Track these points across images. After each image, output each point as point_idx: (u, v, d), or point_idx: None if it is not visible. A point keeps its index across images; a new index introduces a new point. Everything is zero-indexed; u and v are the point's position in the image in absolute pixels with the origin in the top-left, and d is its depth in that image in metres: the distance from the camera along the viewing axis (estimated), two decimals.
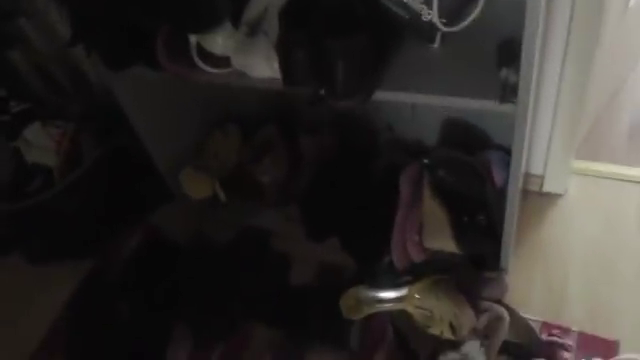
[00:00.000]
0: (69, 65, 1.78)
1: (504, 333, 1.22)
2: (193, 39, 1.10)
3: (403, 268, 1.34)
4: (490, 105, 0.96)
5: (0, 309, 1.61)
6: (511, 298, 1.32)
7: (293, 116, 1.53)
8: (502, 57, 1.00)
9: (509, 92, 0.94)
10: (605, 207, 1.52)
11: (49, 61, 1.76)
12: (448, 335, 1.21)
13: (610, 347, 1.23)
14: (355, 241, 1.42)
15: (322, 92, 1.01)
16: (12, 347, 1.51)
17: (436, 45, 1.08)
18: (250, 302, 1.43)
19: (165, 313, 1.43)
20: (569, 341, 1.24)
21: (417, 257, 1.32)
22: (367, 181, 1.47)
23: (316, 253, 1.49)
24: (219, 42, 1.09)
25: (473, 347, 1.20)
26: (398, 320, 1.31)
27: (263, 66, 1.05)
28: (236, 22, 1.10)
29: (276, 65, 1.03)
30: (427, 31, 1.04)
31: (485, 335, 1.21)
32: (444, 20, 1.01)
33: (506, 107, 0.95)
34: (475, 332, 1.22)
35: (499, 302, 1.29)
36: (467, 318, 1.20)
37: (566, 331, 1.27)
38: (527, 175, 1.56)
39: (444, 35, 1.06)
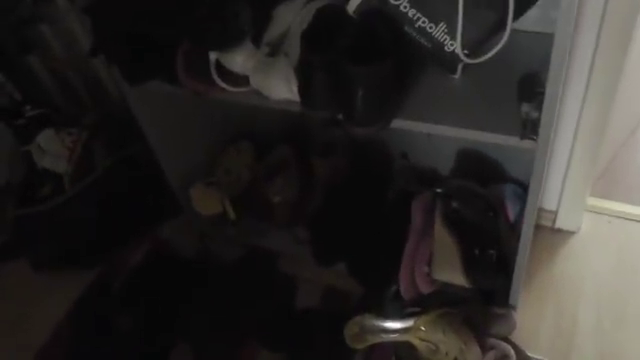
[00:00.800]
0: (87, 73, 1.78)
1: None
2: (213, 56, 1.10)
3: (410, 298, 1.32)
4: (510, 141, 0.95)
5: (3, 313, 1.59)
6: (518, 336, 1.30)
7: (307, 137, 1.52)
8: (524, 92, 0.99)
9: (530, 128, 0.93)
10: (618, 247, 1.49)
11: (67, 68, 1.77)
12: None
13: None
14: (363, 267, 1.40)
15: (340, 117, 1.00)
16: (13, 352, 1.49)
17: (457, 76, 1.07)
18: (254, 324, 1.41)
19: (166, 330, 1.41)
20: None
21: (425, 289, 1.30)
22: (379, 207, 1.45)
23: (324, 277, 1.47)
24: (238, 61, 1.08)
25: None
26: (402, 351, 1.29)
27: (281, 87, 1.04)
28: (258, 41, 1.10)
29: (295, 88, 1.02)
30: (449, 61, 1.04)
31: None
32: (467, 51, 1.01)
33: (526, 143, 0.94)
34: None
35: (506, 339, 1.27)
36: (473, 355, 1.18)
37: None
38: (540, 210, 1.54)
39: (466, 66, 1.05)
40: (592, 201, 1.57)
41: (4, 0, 1.68)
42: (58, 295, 1.59)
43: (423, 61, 1.07)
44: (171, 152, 1.46)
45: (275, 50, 1.09)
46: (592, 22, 1.13)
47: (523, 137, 0.93)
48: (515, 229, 1.28)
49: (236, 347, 1.39)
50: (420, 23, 0.99)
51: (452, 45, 1.00)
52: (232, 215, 1.50)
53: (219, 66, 1.11)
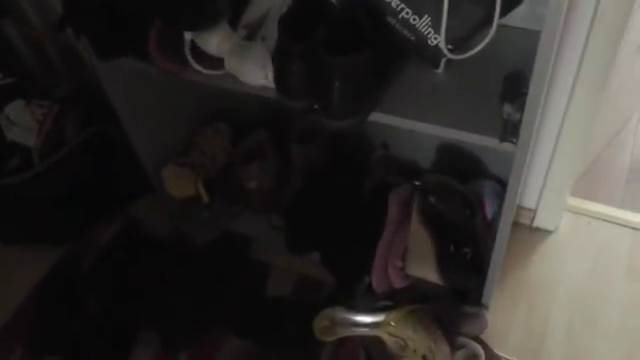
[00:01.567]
0: (63, 42, 1.71)
1: None
2: (187, 36, 1.05)
3: (382, 292, 1.30)
4: (489, 142, 0.92)
5: None
6: (489, 335, 1.28)
7: (286, 123, 1.48)
8: (507, 91, 0.95)
9: (510, 131, 0.89)
10: (596, 249, 1.48)
11: (43, 36, 1.70)
12: None
13: None
14: (336, 258, 1.38)
15: (316, 107, 0.96)
16: None
17: (440, 71, 1.03)
18: (223, 310, 1.38)
19: (133, 313, 1.38)
20: None
21: (398, 283, 1.28)
22: (355, 198, 1.43)
23: (297, 265, 1.45)
24: (214, 42, 1.03)
25: None
26: (371, 346, 1.27)
27: (257, 73, 1.00)
28: (235, 23, 1.05)
29: (271, 74, 0.98)
30: (432, 56, 1.00)
31: None
32: (451, 46, 0.97)
33: (505, 146, 0.91)
34: None
35: (476, 338, 1.26)
36: (442, 354, 1.17)
37: None
38: (519, 207, 1.52)
39: (450, 61, 1.01)
40: (572, 201, 1.55)
41: None
42: (27, 268, 1.55)
43: (406, 54, 1.03)
44: (145, 131, 1.41)
45: (253, 34, 1.04)
46: (582, 21, 1.10)
47: (503, 139, 0.90)
48: (492, 227, 1.25)
49: (204, 332, 1.37)
50: (404, 14, 0.95)
51: (436, 39, 0.96)
52: (205, 198, 1.46)
53: (194, 46, 1.06)
